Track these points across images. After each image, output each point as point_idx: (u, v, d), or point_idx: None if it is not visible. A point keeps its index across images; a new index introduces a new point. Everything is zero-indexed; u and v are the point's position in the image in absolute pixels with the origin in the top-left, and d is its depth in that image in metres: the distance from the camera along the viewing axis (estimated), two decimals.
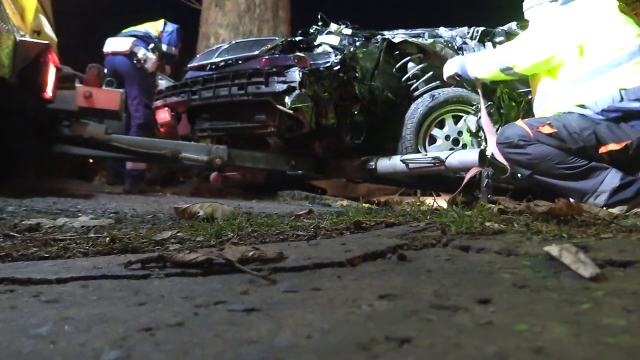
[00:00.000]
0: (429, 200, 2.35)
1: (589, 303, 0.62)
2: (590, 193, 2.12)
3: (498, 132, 2.44)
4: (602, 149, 2.09)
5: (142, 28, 5.20)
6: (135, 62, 4.89)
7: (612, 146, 2.07)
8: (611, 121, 2.09)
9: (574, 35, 2.19)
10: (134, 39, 4.97)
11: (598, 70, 2.14)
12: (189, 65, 4.27)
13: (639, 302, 0.62)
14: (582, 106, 2.15)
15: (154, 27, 5.25)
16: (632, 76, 2.08)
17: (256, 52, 3.74)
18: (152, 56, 4.99)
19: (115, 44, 4.98)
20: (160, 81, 5.01)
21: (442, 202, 2.34)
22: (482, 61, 2.54)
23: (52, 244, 1.26)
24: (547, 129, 2.15)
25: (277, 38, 4.03)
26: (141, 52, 4.92)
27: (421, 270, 0.85)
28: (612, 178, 2.09)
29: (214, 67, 3.93)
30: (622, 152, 2.07)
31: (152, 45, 5.06)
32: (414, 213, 1.71)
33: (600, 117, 2.10)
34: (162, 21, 5.37)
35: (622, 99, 2.07)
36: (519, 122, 2.28)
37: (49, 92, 3.06)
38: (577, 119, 2.14)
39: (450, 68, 2.72)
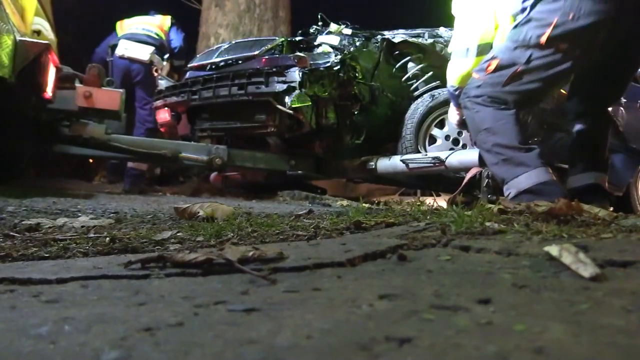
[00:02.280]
0: (429, 200, 2.35)
1: (589, 303, 0.62)
2: (505, 181, 2.09)
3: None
4: (544, 37, 2.02)
5: (152, 30, 5.26)
6: (154, 70, 5.07)
7: (549, 28, 2.01)
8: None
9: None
10: (153, 48, 5.12)
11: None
12: (189, 65, 4.28)
13: (639, 302, 0.62)
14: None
15: (160, 27, 5.30)
16: None
17: (256, 52, 3.75)
18: (165, 64, 5.28)
19: (134, 51, 5.08)
20: (160, 81, 5.03)
21: (442, 202, 2.34)
22: (454, 66, 2.45)
23: (52, 244, 1.26)
24: (492, 65, 2.12)
25: (277, 38, 4.03)
26: (159, 63, 5.17)
27: (421, 270, 0.85)
28: (527, 178, 2.03)
29: (214, 67, 3.93)
30: (563, 38, 2.00)
31: (167, 56, 5.34)
32: (414, 213, 1.71)
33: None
34: (169, 19, 5.41)
35: None
36: (473, 74, 2.23)
37: (49, 92, 3.06)
38: (512, 34, 2.14)
39: (451, 114, 2.67)
